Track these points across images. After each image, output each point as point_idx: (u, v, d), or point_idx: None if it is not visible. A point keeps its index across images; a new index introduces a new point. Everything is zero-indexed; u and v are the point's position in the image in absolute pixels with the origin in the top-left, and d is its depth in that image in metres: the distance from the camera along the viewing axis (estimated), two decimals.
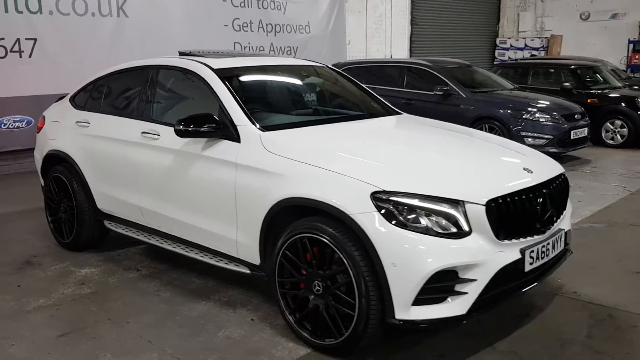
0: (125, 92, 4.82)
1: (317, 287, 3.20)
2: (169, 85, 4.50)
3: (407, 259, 2.84)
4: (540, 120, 8.62)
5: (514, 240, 3.08)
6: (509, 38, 17.20)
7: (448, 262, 2.86)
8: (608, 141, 10.43)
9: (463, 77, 9.63)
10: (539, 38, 16.65)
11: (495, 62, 16.20)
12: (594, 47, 15.79)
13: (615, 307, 3.80)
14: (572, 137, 8.77)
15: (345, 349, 3.15)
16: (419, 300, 2.87)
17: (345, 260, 3.00)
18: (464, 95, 9.01)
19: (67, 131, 5.03)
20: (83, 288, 4.32)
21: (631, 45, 15.43)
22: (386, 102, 4.76)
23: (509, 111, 8.69)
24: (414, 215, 2.90)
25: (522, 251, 3.09)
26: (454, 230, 2.92)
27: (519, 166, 3.41)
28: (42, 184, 5.50)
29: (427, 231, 2.88)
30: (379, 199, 2.93)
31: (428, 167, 3.28)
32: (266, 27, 11.35)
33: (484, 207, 2.95)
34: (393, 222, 2.88)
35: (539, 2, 17.18)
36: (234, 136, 3.67)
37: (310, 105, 4.65)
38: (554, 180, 3.46)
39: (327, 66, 4.97)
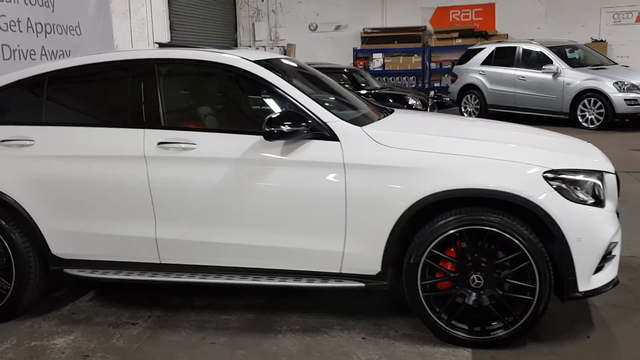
0: (99, 94, 3.66)
1: (477, 281, 3.07)
2: (186, 83, 3.58)
3: (591, 231, 2.99)
4: None
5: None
6: (249, 47, 17.83)
7: (614, 229, 3.10)
8: None
9: None
10: (277, 47, 17.69)
11: None
12: (323, 54, 17.49)
13: None
14: None
15: (515, 338, 3.10)
16: (596, 270, 3.04)
17: (522, 245, 2.97)
18: None
19: None
20: None
21: (355, 53, 17.63)
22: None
23: None
24: (578, 190, 3.04)
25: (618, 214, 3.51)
26: (592, 200, 3.14)
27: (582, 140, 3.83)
28: None
29: (591, 203, 3.05)
30: (550, 178, 2.99)
31: (552, 146, 3.44)
32: (36, 27, 9.52)
33: (614, 176, 3.27)
34: (567, 198, 2.98)
35: (271, 13, 18.22)
36: (327, 134, 3.21)
37: (335, 100, 4.23)
38: None
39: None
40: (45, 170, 3.48)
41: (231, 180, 3.28)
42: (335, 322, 3.51)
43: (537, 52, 12.47)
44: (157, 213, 3.37)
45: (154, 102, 3.43)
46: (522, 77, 12.54)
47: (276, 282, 3.34)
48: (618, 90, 11.14)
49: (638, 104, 11.07)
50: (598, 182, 3.13)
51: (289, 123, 3.13)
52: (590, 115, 11.46)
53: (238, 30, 18.18)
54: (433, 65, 17.16)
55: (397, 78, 17.38)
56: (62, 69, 3.66)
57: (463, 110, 13.59)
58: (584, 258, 2.98)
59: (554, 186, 2.98)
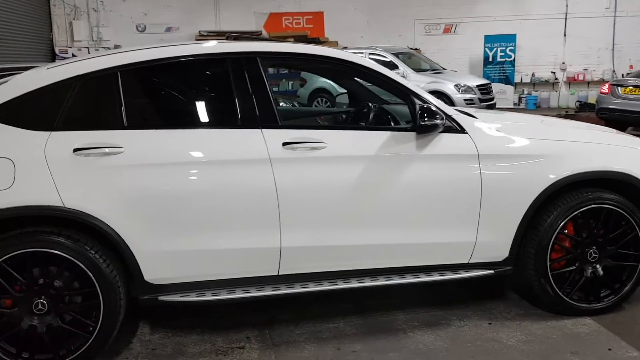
0: (193, 91, 3.15)
1: (594, 255, 3.38)
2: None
3: None
4: None
5: None
6: (69, 47, 16.08)
7: None
8: None
9: None
10: (102, 48, 16.25)
11: None
12: None
13: None
14: None
15: (622, 302, 3.49)
16: None
17: (632, 219, 3.37)
18: None
19: (47, 170, 2.79)
20: None
21: None
22: None
23: None
24: None
25: None
26: None
27: None
28: None
29: None
30: None
31: (613, 131, 3.89)
32: None
33: None
34: None
35: (92, 11, 16.59)
36: (455, 128, 3.24)
37: None
38: None
39: None
40: (141, 181, 2.88)
41: (367, 178, 3.12)
42: (445, 314, 3.54)
43: (382, 58, 13.51)
44: (283, 220, 3.03)
45: (266, 99, 3.10)
46: None
47: (409, 279, 3.26)
48: (457, 91, 12.68)
49: (474, 103, 12.71)
50: None
51: (426, 116, 3.12)
52: None
53: (53, 29, 16.27)
54: (270, 70, 17.38)
55: None
56: (138, 62, 3.08)
57: None
58: None
59: None
